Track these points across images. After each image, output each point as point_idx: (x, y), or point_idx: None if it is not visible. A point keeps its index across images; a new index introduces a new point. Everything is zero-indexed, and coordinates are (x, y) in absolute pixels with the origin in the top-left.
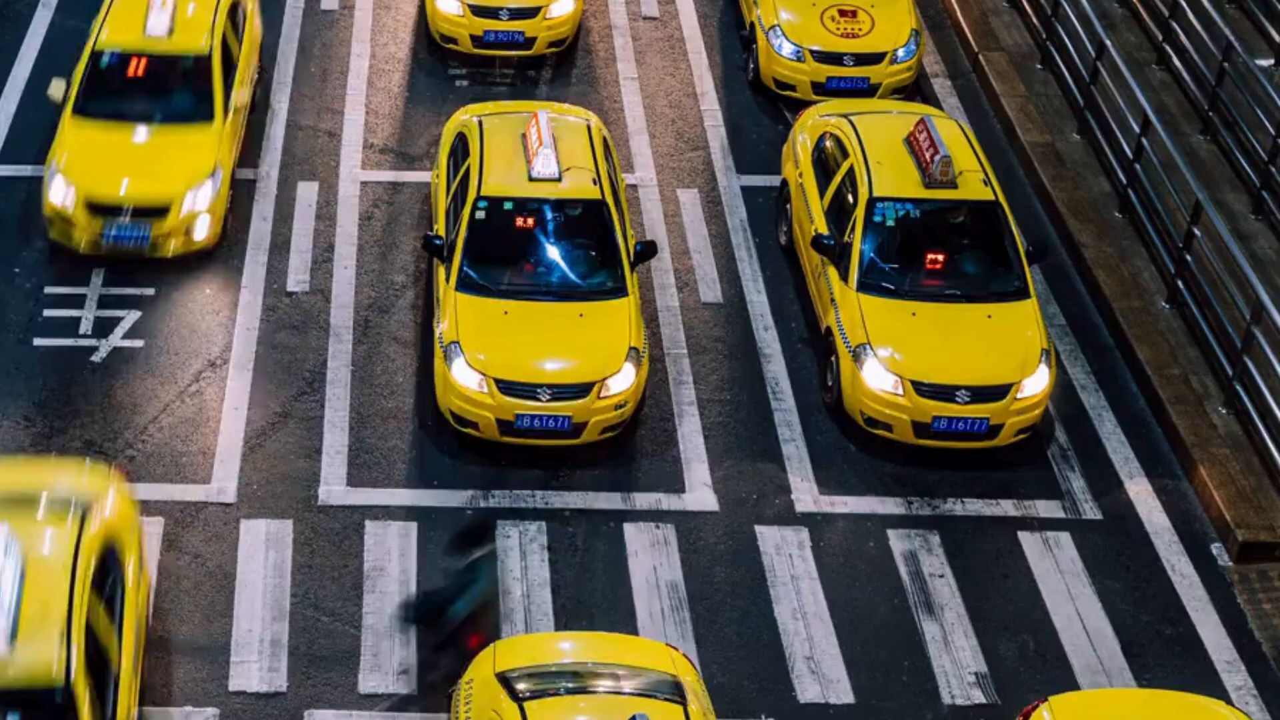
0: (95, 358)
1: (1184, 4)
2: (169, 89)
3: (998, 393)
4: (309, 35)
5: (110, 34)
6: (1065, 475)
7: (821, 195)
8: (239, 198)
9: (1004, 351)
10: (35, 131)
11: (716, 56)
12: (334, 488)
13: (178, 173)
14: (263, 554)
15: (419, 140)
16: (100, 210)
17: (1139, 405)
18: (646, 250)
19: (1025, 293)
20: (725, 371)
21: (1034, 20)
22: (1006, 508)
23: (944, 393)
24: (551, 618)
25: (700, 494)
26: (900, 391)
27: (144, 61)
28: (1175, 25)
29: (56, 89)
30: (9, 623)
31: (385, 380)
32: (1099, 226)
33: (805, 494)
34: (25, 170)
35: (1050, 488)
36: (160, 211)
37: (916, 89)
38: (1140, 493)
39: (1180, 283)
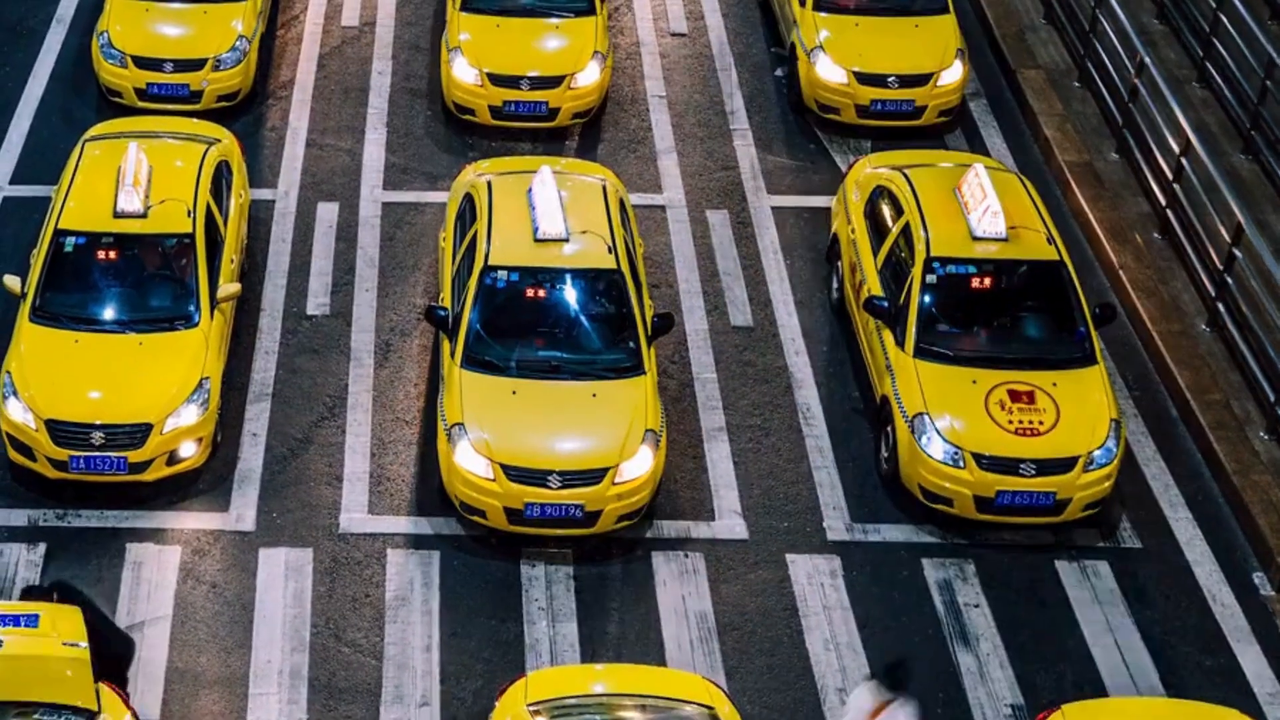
0: None
1: (1225, 20)
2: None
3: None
4: (328, 52)
5: (74, 214)
6: (1104, 503)
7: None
8: (255, 220)
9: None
10: (50, 150)
11: (747, 74)
12: (355, 515)
13: (157, 389)
14: (282, 583)
15: (442, 159)
16: (66, 436)
17: (1179, 431)
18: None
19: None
20: (755, 396)
21: (1072, 37)
22: (1043, 536)
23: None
24: (577, 649)
25: (730, 522)
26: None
27: (114, 250)
28: (1216, 42)
29: (11, 283)
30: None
31: (408, 405)
32: (1138, 248)
33: (837, 521)
34: (40, 191)
35: (1088, 516)
36: (136, 437)
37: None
38: (1180, 520)
39: (1221, 305)
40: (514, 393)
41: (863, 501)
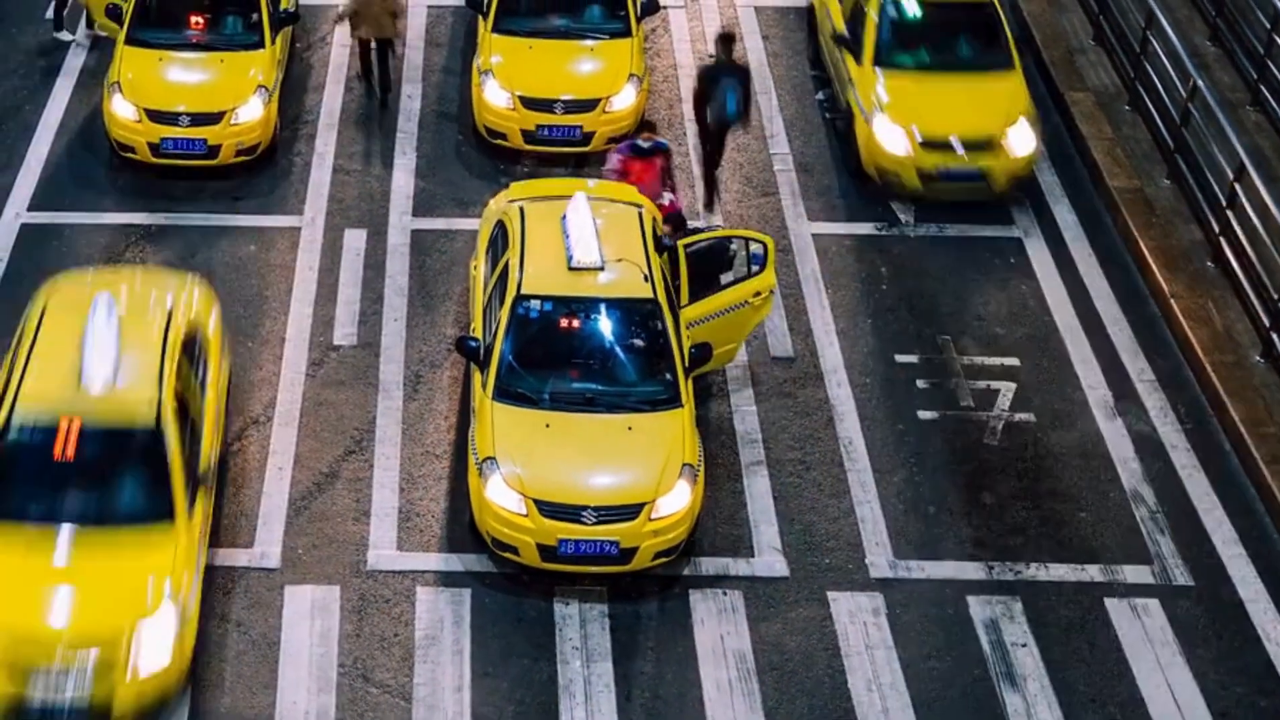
0: None
1: None
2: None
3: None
4: (355, 75)
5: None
6: (1154, 539)
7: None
8: (281, 248)
9: None
10: (70, 175)
11: (787, 97)
12: (383, 552)
13: (124, 607)
14: (308, 622)
15: (474, 185)
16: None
17: (1232, 464)
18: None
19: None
20: (796, 429)
21: (1122, 59)
22: (1093, 573)
23: None
24: (612, 689)
25: (769, 558)
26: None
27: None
28: (1271, 64)
29: None
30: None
31: (438, 439)
32: (1190, 277)
33: (880, 558)
34: (60, 218)
35: (1139, 552)
36: (99, 666)
37: None
38: (1233, 557)
39: (1276, 336)
40: (547, 426)
41: (907, 538)
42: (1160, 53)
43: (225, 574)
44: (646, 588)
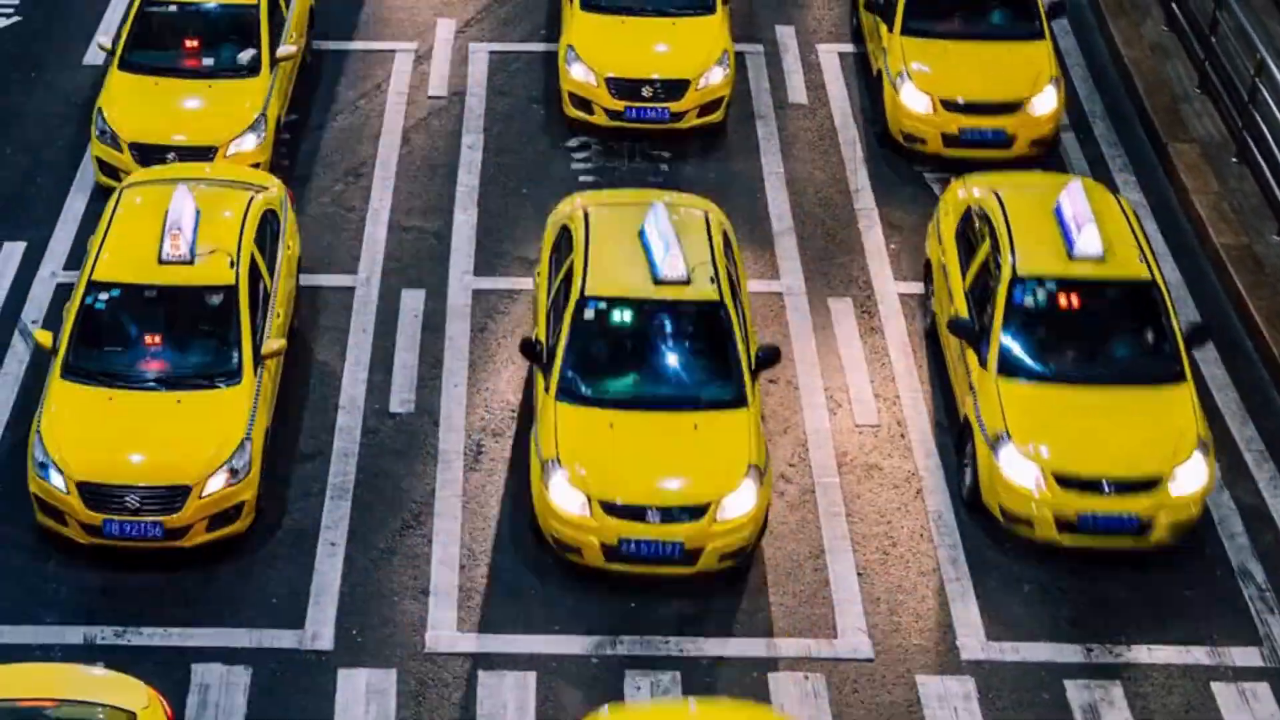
0: None
1: None
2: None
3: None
4: (413, 125)
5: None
6: (1264, 619)
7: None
8: (334, 309)
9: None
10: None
11: (873, 148)
12: (443, 633)
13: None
14: (363, 708)
15: (538, 242)
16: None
17: None
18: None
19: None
20: (882, 503)
21: (1229, 108)
22: (1198, 655)
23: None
24: None
25: (854, 639)
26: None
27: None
28: None
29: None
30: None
31: (500, 513)
32: None
33: (971, 639)
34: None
35: (1247, 633)
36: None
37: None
38: None
39: None
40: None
41: (999, 617)
42: (1270, 101)
43: (274, 656)
44: (723, 670)
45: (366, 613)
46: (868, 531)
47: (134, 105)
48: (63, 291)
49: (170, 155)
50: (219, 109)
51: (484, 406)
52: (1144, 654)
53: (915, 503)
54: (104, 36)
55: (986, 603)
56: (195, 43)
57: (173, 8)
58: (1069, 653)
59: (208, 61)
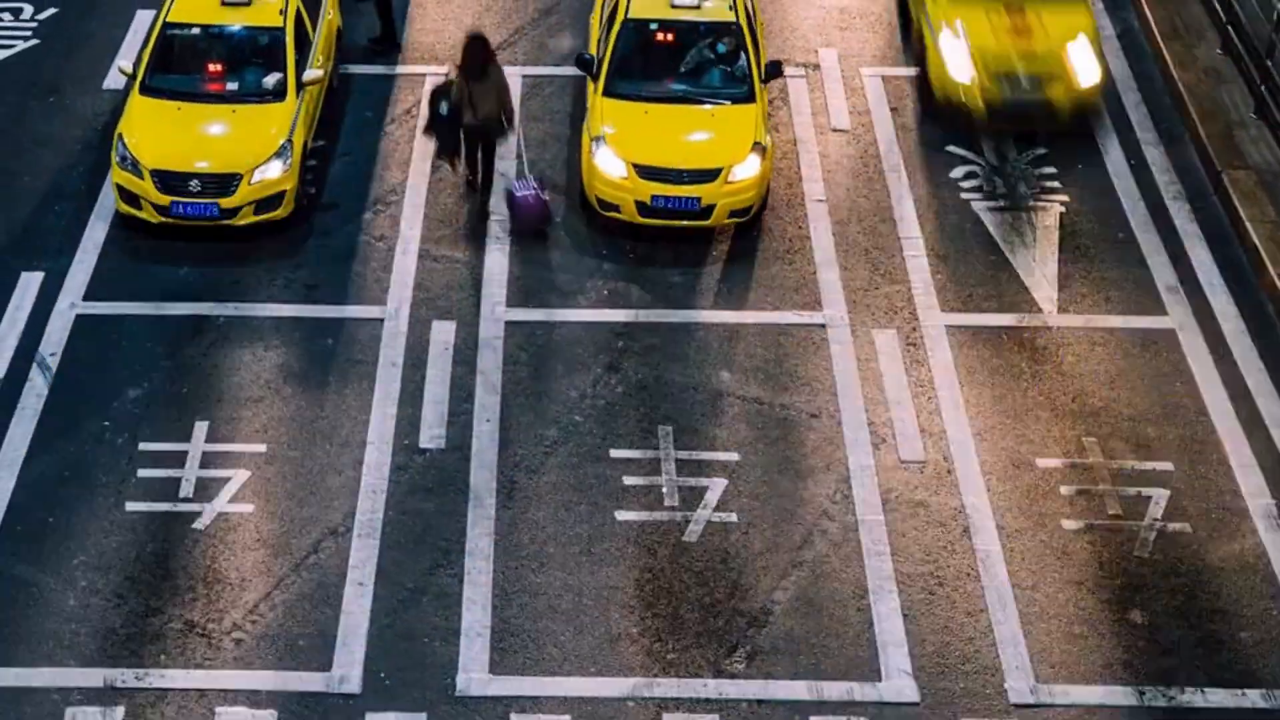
0: (198, 525)
1: None
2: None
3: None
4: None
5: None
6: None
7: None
8: (362, 341)
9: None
10: (128, 263)
11: (918, 175)
12: (475, 675)
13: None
14: None
15: (574, 272)
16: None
17: None
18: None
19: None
20: (928, 541)
21: None
22: (1254, 699)
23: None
24: None
25: (899, 683)
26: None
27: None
28: None
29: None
30: None
31: (534, 551)
32: None
33: (1020, 682)
34: (118, 308)
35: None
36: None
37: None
38: None
39: None
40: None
41: (1049, 659)
42: None
43: (300, 700)
44: (762, 713)
45: (395, 654)
46: (913, 571)
47: (156, 131)
48: (83, 323)
49: (193, 183)
50: (243, 134)
51: (517, 442)
52: (1198, 697)
53: (962, 541)
54: (124, 60)
55: (1035, 644)
56: (219, 66)
57: (195, 30)
58: (1120, 695)
59: (231, 86)
